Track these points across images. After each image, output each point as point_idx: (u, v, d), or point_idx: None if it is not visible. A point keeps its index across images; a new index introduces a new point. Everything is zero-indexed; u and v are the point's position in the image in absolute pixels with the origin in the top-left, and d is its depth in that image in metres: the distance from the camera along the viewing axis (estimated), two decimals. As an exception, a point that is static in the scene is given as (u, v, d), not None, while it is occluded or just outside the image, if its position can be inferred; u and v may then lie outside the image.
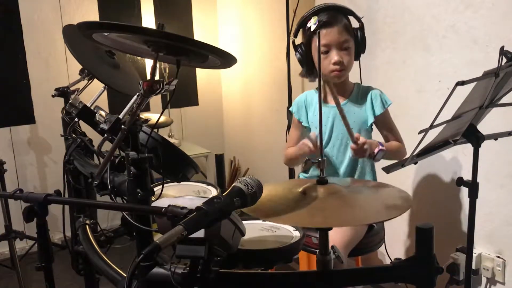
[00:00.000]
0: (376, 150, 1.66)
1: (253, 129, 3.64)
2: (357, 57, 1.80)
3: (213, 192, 1.44)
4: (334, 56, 1.73)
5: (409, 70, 2.26)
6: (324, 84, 1.86)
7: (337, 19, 1.73)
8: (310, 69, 1.82)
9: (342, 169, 1.84)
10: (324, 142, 1.83)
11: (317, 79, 1.84)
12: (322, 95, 1.87)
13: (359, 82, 1.93)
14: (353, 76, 1.88)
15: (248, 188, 0.90)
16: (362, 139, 1.63)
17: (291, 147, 1.91)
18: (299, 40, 1.84)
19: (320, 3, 1.77)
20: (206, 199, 0.86)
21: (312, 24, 1.72)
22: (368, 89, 1.85)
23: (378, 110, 1.80)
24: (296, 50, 1.82)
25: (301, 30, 1.81)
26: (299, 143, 1.79)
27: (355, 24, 1.80)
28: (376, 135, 1.87)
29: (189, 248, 0.83)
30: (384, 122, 1.84)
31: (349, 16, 1.78)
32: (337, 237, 1.61)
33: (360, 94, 1.85)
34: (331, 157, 1.84)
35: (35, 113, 3.16)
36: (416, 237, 0.96)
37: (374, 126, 1.87)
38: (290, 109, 1.96)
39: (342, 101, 1.83)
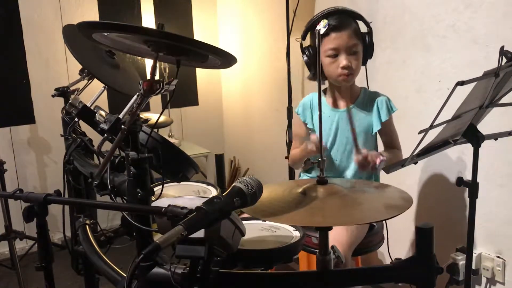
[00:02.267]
0: (378, 161, 1.64)
1: (253, 129, 3.64)
2: (364, 62, 1.80)
3: (213, 192, 1.44)
4: (343, 60, 1.72)
5: (409, 70, 2.26)
6: (330, 88, 1.86)
7: (347, 23, 1.72)
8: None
9: (347, 174, 1.83)
10: (328, 146, 1.83)
11: (325, 82, 1.85)
12: (331, 99, 1.87)
13: (366, 86, 1.92)
14: (358, 80, 1.88)
15: (248, 188, 0.90)
16: (364, 151, 1.65)
17: (296, 148, 1.91)
18: (307, 42, 1.83)
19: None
20: (206, 199, 0.86)
21: (321, 27, 1.70)
22: (375, 95, 1.84)
23: (384, 117, 1.79)
24: (303, 52, 1.81)
25: (309, 32, 1.80)
26: (302, 145, 1.78)
27: (363, 28, 1.79)
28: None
29: (189, 248, 0.83)
30: (386, 128, 1.84)
31: (357, 21, 1.77)
32: (341, 237, 1.61)
33: (366, 99, 1.84)
34: (335, 161, 1.83)
35: (35, 113, 3.16)
36: (416, 237, 0.96)
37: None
38: (296, 110, 1.94)
39: (348, 105, 1.83)
